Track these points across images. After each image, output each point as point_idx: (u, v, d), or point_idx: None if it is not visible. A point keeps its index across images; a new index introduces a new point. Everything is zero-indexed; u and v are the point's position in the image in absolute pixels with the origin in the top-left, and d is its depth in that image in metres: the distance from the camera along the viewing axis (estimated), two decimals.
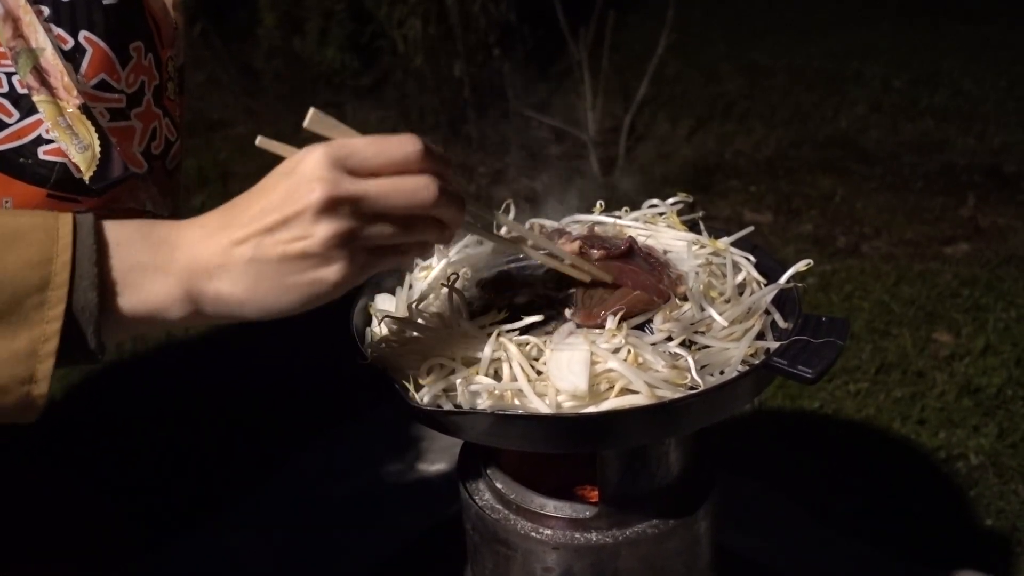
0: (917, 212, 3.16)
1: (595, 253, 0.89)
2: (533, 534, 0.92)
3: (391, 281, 1.01)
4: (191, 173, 3.74)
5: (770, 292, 0.89)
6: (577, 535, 0.90)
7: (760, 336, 0.84)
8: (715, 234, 1.01)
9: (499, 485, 0.96)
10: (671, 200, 1.05)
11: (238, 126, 4.31)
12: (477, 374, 0.78)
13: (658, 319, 0.82)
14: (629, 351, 0.77)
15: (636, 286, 0.85)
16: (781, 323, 0.88)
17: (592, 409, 0.75)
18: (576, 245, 0.90)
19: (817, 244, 2.98)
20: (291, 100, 4.35)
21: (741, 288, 0.93)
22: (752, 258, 0.96)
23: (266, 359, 2.35)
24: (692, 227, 1.05)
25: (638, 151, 3.74)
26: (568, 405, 0.75)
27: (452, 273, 0.95)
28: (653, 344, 0.79)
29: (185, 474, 1.91)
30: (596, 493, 0.92)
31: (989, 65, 4.47)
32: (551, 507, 0.92)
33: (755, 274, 0.94)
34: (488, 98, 3.88)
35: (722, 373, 0.81)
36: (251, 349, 2.45)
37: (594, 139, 3.57)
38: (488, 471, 0.99)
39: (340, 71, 4.26)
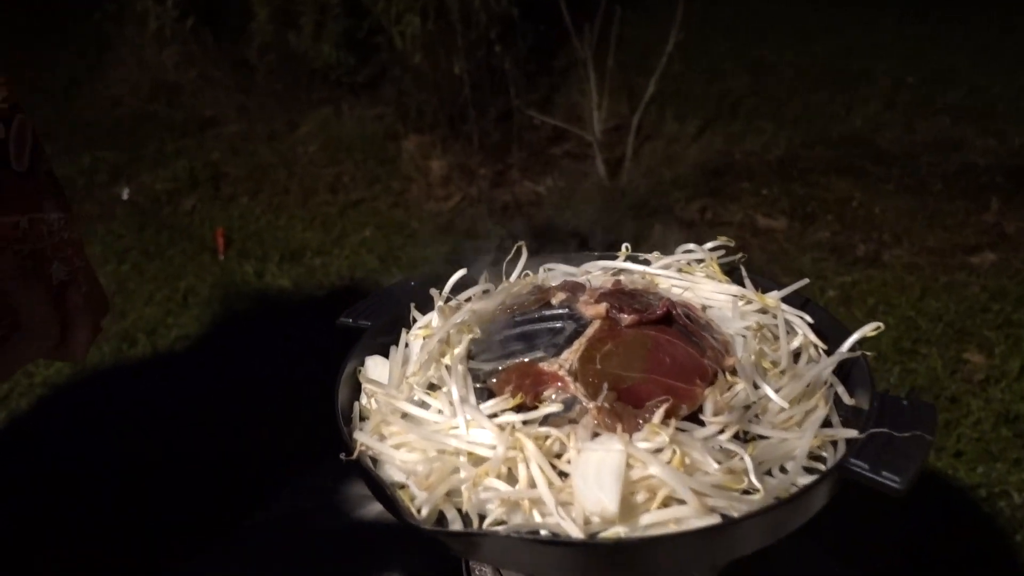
0: (938, 217, 3.03)
1: (625, 317, 0.75)
2: None
3: (385, 338, 0.87)
4: (182, 176, 3.61)
5: (832, 363, 0.75)
6: None
7: (826, 422, 0.70)
8: (761, 285, 0.87)
9: None
10: (709, 244, 0.91)
11: (231, 124, 4.17)
12: (487, 475, 0.64)
13: (708, 406, 0.68)
14: (674, 451, 0.63)
15: (675, 364, 0.71)
16: (846, 398, 0.74)
17: (628, 528, 0.61)
18: (603, 308, 0.76)
19: (835, 252, 2.84)
20: (285, 97, 4.21)
21: (796, 354, 0.79)
22: (808, 317, 0.81)
23: (274, 381, 2.23)
24: (730, 272, 0.91)
25: (645, 152, 3.59)
26: (599, 520, 0.61)
27: (455, 333, 0.80)
28: (705, 439, 0.65)
29: (189, 499, 1.79)
30: None
31: (1004, 59, 4.32)
32: None
33: (812, 337, 0.80)
34: (489, 96, 3.74)
35: (783, 471, 0.67)
36: (259, 371, 2.32)
37: (599, 139, 3.43)
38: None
39: (336, 68, 4.12)
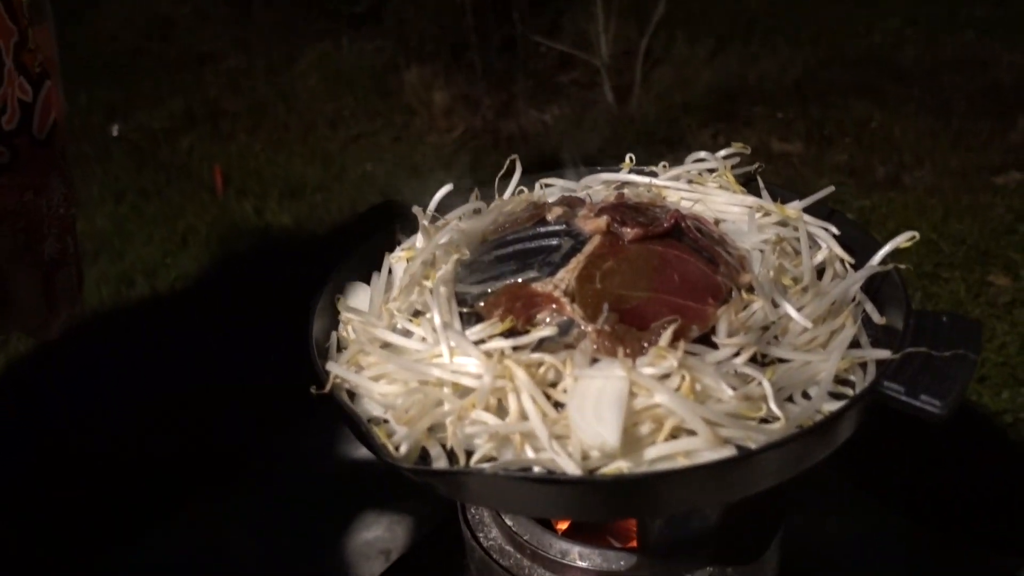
0: (962, 137, 2.90)
1: (628, 232, 0.67)
2: None
3: (366, 264, 0.80)
4: (179, 114, 3.51)
5: (860, 278, 0.67)
6: None
7: (854, 342, 0.63)
8: (780, 196, 0.78)
9: (510, 523, 0.76)
10: (723, 152, 0.82)
11: (228, 60, 4.06)
12: (474, 407, 0.57)
13: (722, 327, 0.61)
14: (683, 377, 0.56)
15: (684, 281, 0.63)
16: (876, 317, 0.67)
17: (631, 463, 0.54)
18: (603, 222, 0.68)
19: (854, 175, 2.74)
20: (283, 30, 4.09)
21: (820, 270, 0.71)
22: (833, 229, 0.73)
23: (275, 320, 2.16)
24: (747, 184, 0.83)
25: (655, 77, 3.46)
26: (598, 455, 0.54)
27: (441, 255, 0.73)
28: (718, 363, 0.58)
29: (166, 461, 1.74)
30: (634, 536, 0.72)
31: None
32: (576, 554, 0.72)
33: (839, 251, 0.72)
34: (492, 23, 3.60)
35: (806, 396, 0.60)
36: (260, 310, 2.25)
37: (607, 64, 3.30)
38: None
39: None
